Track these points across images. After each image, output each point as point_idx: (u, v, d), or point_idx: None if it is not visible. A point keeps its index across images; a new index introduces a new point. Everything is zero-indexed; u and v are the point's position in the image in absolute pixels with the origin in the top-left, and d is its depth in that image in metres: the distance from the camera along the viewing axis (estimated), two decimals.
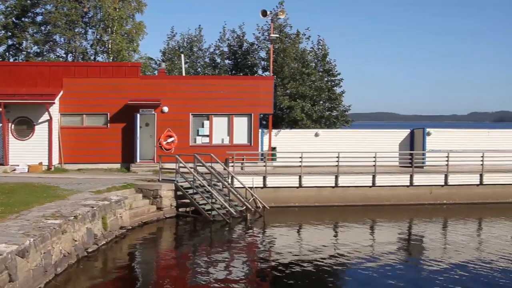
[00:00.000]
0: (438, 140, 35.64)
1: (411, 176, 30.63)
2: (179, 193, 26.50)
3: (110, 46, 44.34)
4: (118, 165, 32.65)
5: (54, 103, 31.41)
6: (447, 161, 31.38)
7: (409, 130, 37.44)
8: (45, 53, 45.57)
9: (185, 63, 40.76)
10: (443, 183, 31.00)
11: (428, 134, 35.72)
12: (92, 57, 45.77)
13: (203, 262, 19.37)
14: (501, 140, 36.38)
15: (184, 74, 38.23)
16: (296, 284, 17.02)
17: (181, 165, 27.12)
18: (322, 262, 18.97)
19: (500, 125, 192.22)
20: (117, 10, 43.64)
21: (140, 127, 32.66)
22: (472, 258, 19.63)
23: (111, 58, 43.88)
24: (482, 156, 31.61)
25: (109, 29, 44.45)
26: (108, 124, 32.73)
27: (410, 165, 31.57)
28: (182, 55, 39.91)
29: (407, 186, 30.67)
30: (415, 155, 32.22)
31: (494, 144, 35.40)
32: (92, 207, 19.92)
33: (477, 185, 31.31)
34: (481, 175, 31.28)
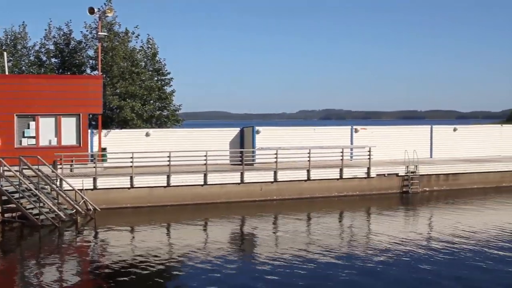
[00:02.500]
0: (267, 138, 36.46)
1: (242, 174, 31.22)
2: (4, 197, 25.33)
3: None
4: None
5: None
6: (276, 158, 32.28)
7: (239, 129, 38.06)
8: None
9: (8, 61, 39.00)
10: (272, 180, 31.85)
11: (257, 132, 36.45)
12: None
13: (32, 269, 18.73)
14: (326, 136, 37.87)
15: (7, 73, 36.56)
16: (128, 287, 16.82)
17: (5, 168, 25.96)
18: (155, 263, 18.90)
19: (326, 122, 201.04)
20: None
21: None
22: (299, 251, 20.30)
23: None
24: (309, 153, 32.84)
25: None
26: None
27: (240, 163, 32.19)
28: (5, 53, 38.15)
29: (238, 183, 31.22)
30: (245, 153, 32.88)
31: (320, 141, 36.79)
32: None
33: (305, 180, 32.49)
34: (308, 171, 32.47)
